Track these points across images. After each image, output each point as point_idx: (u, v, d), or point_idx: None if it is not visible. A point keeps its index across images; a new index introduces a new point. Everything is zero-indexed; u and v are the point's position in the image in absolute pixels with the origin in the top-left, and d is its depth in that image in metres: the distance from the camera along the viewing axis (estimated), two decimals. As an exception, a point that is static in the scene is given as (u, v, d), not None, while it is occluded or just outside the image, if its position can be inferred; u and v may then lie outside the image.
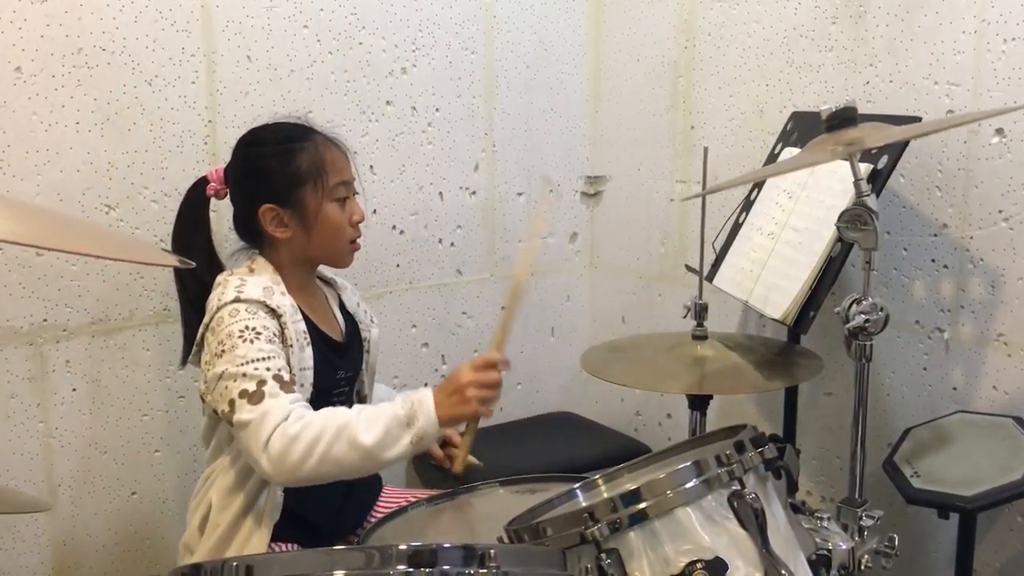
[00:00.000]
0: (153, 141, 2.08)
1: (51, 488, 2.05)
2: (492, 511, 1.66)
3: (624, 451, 2.50)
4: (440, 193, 2.50)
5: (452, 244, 2.54)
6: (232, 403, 1.51)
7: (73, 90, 1.98)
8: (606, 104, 2.71)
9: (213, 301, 1.63)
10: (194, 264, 1.36)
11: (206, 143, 2.14)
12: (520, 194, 2.64)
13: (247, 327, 1.55)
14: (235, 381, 1.52)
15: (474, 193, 2.56)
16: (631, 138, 2.66)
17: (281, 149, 1.69)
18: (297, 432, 1.46)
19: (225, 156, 1.83)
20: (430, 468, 2.48)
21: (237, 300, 1.59)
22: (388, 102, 2.38)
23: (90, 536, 2.11)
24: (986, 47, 1.88)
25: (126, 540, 2.15)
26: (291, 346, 1.60)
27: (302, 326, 1.66)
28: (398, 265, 2.47)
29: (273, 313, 1.59)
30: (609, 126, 2.72)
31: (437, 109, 2.46)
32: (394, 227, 2.44)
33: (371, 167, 2.37)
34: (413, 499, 1.80)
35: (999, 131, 1.88)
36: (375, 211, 2.40)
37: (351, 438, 1.48)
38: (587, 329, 2.83)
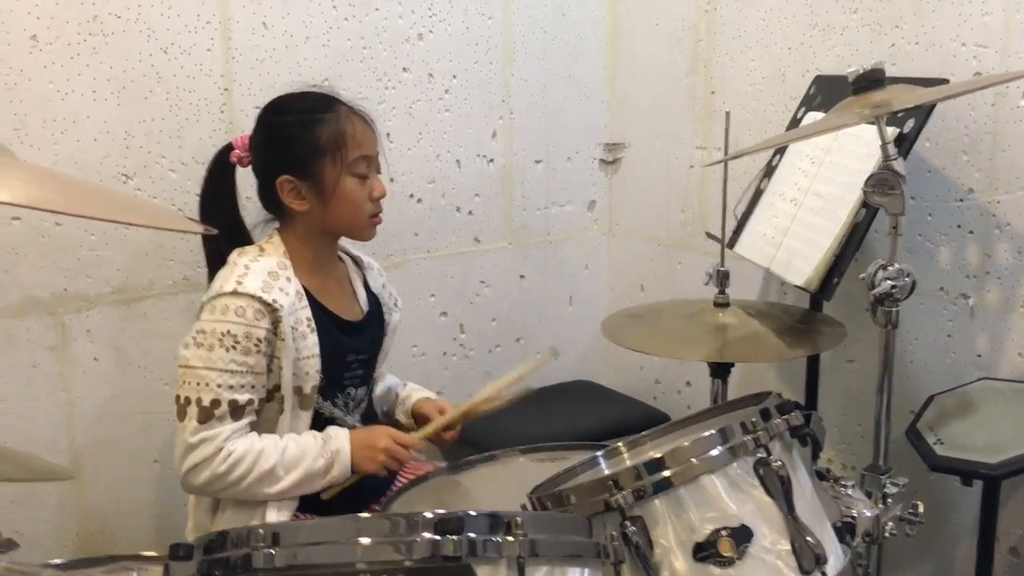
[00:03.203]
0: (170, 110, 2.07)
1: (73, 456, 2.06)
2: (514, 479, 1.66)
3: (644, 419, 2.49)
4: (457, 161, 2.48)
5: (470, 212, 2.53)
6: (182, 405, 1.58)
7: (89, 58, 1.97)
8: (624, 69, 2.68)
9: (217, 282, 1.64)
10: (217, 231, 1.36)
11: (223, 112, 2.12)
12: (538, 161, 2.62)
13: (228, 332, 1.57)
14: (197, 384, 1.57)
15: (492, 161, 2.54)
16: (650, 104, 2.63)
17: (302, 119, 1.67)
18: (222, 472, 1.57)
19: (243, 124, 1.83)
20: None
21: (234, 293, 1.59)
22: (405, 69, 2.36)
23: (113, 503, 2.12)
24: (1015, 7, 1.84)
25: (149, 507, 2.17)
26: (284, 339, 1.60)
27: (307, 312, 1.65)
28: (416, 234, 2.45)
29: (268, 308, 1.59)
30: (628, 92, 2.68)
31: (454, 76, 2.43)
32: (411, 195, 2.43)
33: (388, 135, 2.35)
34: (434, 468, 1.80)
35: (1028, 93, 1.85)
36: (392, 179, 2.37)
37: (269, 482, 1.60)
38: (605, 297, 2.81)
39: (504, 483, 1.68)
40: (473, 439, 2.38)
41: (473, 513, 0.97)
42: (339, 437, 1.65)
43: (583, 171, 2.71)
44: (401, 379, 1.99)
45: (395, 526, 0.98)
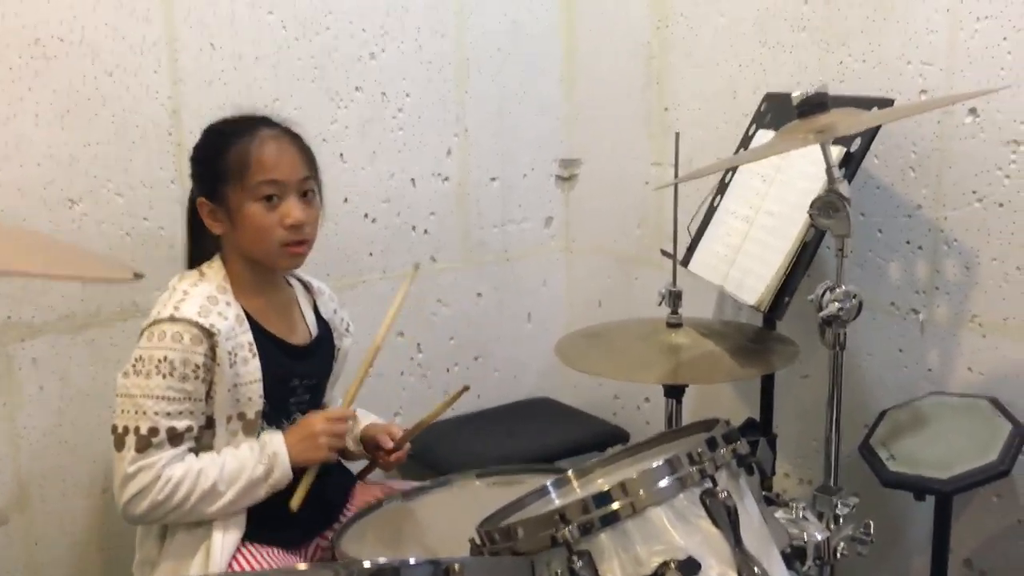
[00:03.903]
0: (116, 133, 2.03)
1: (21, 487, 2.01)
2: (468, 505, 1.65)
3: (602, 436, 2.50)
4: (412, 179, 2.47)
5: (426, 231, 2.51)
6: (120, 434, 1.56)
7: (31, 82, 1.93)
8: (580, 87, 2.68)
9: (156, 308, 1.63)
10: (144, 275, 1.33)
11: (170, 134, 2.09)
12: (494, 179, 2.61)
13: (165, 358, 1.56)
14: (134, 412, 1.56)
15: (447, 179, 2.53)
16: (606, 120, 2.63)
17: (216, 143, 1.68)
18: (162, 499, 1.56)
19: (191, 146, 1.80)
20: (408, 458, 2.47)
21: (171, 319, 1.58)
22: (357, 88, 2.34)
23: (63, 534, 2.08)
24: (959, 26, 1.87)
25: (100, 537, 2.12)
26: (220, 364, 1.58)
27: (248, 337, 1.64)
28: (371, 254, 2.43)
29: (206, 333, 1.57)
30: (584, 108, 2.69)
31: (408, 94, 2.42)
32: (366, 215, 2.41)
33: (341, 155, 2.33)
34: (387, 493, 1.78)
35: (972, 111, 1.87)
36: (346, 199, 2.36)
37: (212, 500, 1.58)
38: (564, 314, 2.81)
39: (458, 510, 1.66)
40: (431, 461, 2.38)
41: (411, 562, 0.96)
42: (274, 440, 1.64)
43: (539, 188, 2.71)
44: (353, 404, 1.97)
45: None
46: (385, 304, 2.43)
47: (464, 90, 2.51)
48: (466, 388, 1.77)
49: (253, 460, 1.61)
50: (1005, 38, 1.81)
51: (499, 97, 2.58)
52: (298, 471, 1.65)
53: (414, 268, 1.94)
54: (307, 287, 1.86)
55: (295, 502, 1.64)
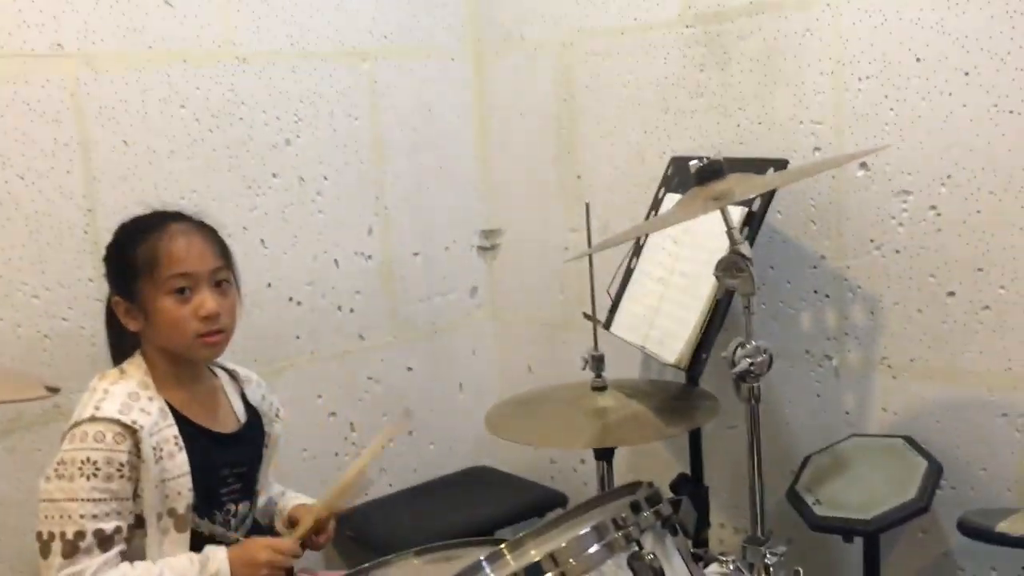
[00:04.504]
0: (30, 235, 2.02)
1: (-56, 606, 1.95)
2: (406, 587, 1.64)
3: (541, 501, 2.51)
4: (335, 260, 2.49)
5: (352, 310, 2.53)
6: (45, 541, 1.54)
7: (-60, 190, 1.92)
8: (495, 159, 2.75)
9: (77, 409, 1.62)
10: (59, 389, 1.33)
11: (86, 232, 2.09)
12: (416, 254, 2.65)
13: (88, 459, 1.55)
14: (59, 517, 1.54)
15: (370, 257, 2.56)
16: (522, 190, 2.70)
17: (127, 240, 1.69)
18: None
19: (106, 244, 1.80)
20: (345, 539, 2.46)
21: (92, 419, 1.57)
22: (274, 175, 2.37)
23: (-9, 652, 2.01)
24: (844, 87, 1.98)
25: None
26: (146, 461, 1.57)
27: (172, 431, 1.63)
28: (298, 336, 2.44)
29: (128, 431, 1.57)
30: (500, 180, 2.75)
31: (325, 177, 2.46)
32: (291, 298, 2.42)
33: (262, 241, 2.35)
34: (326, 581, 1.77)
35: (863, 165, 1.98)
36: (269, 284, 2.37)
37: None
38: (495, 381, 2.84)
39: (397, 592, 1.66)
40: (370, 541, 2.36)
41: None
42: (217, 557, 1.61)
43: (462, 259, 2.75)
44: (287, 487, 1.96)
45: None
46: (317, 386, 2.47)
47: (382, 170, 2.56)
48: (362, 476, 1.76)
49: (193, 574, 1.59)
50: (886, 96, 1.93)
51: (416, 174, 2.63)
52: None
53: (406, 416, 1.94)
54: (233, 376, 1.86)
55: None
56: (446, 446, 2.74)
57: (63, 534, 1.53)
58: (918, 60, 1.87)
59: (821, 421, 2.12)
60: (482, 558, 1.39)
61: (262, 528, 1.87)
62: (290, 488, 1.99)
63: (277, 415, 1.89)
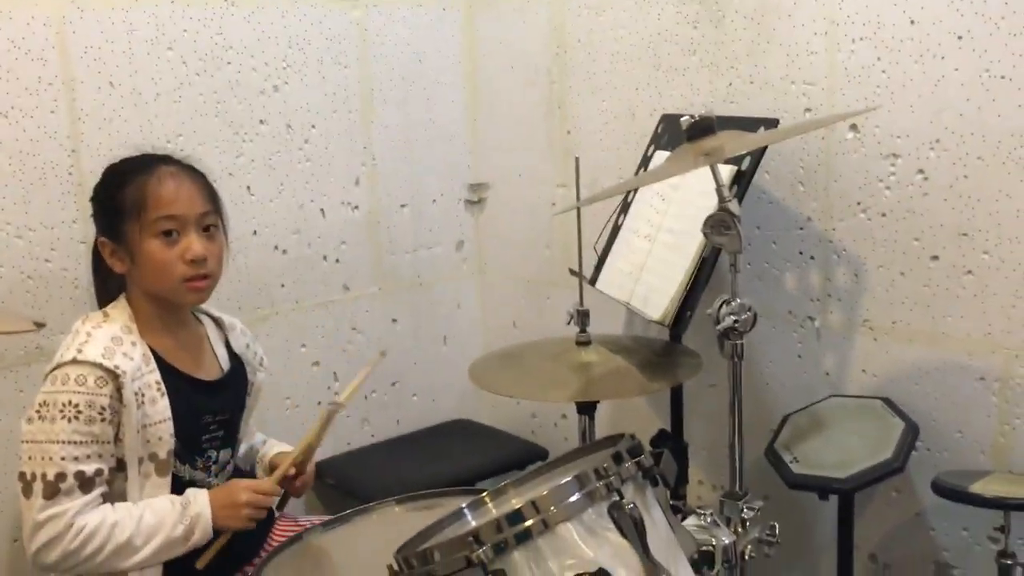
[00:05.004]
0: (14, 175, 2.00)
1: (-75, 544, 1.96)
2: (387, 532, 1.65)
3: (521, 455, 2.54)
4: (322, 210, 2.48)
5: (337, 260, 2.53)
6: (27, 481, 1.55)
7: (-78, 126, 1.89)
8: (484, 112, 2.73)
9: (59, 351, 1.61)
10: (46, 324, 1.33)
11: (71, 174, 2.07)
12: (404, 206, 2.64)
13: (69, 402, 1.55)
14: (41, 459, 1.54)
15: (356, 208, 2.54)
16: (511, 144, 2.68)
17: (115, 181, 1.68)
18: (74, 549, 1.53)
19: (92, 186, 1.79)
20: (327, 487, 2.48)
21: (74, 362, 1.57)
22: (262, 121, 2.34)
23: (-28, 589, 2.02)
24: (836, 47, 1.97)
25: (12, 589, 2.07)
26: (127, 406, 1.58)
27: (155, 376, 1.63)
28: (283, 285, 2.43)
29: (110, 374, 1.57)
30: (488, 133, 2.74)
31: (313, 126, 2.43)
32: (276, 247, 2.41)
33: (248, 188, 2.33)
34: (307, 525, 1.79)
35: (853, 127, 1.98)
36: (255, 232, 2.36)
37: (127, 554, 1.57)
38: (479, 336, 2.85)
39: (378, 538, 1.67)
40: (351, 488, 2.38)
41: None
42: (198, 500, 1.63)
43: (449, 213, 2.75)
44: (268, 436, 1.97)
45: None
46: (301, 335, 2.47)
47: (370, 120, 2.54)
48: (335, 404, 1.75)
49: (174, 518, 1.60)
50: (879, 58, 1.92)
51: (405, 125, 2.61)
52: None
53: (381, 355, 1.94)
54: (218, 323, 1.85)
55: (201, 563, 1.63)
56: (428, 398, 2.76)
57: (44, 475, 1.53)
58: (912, 22, 1.86)
59: (801, 381, 2.14)
60: (463, 506, 1.42)
61: (244, 475, 1.88)
62: (272, 437, 2.00)
63: (261, 364, 1.90)
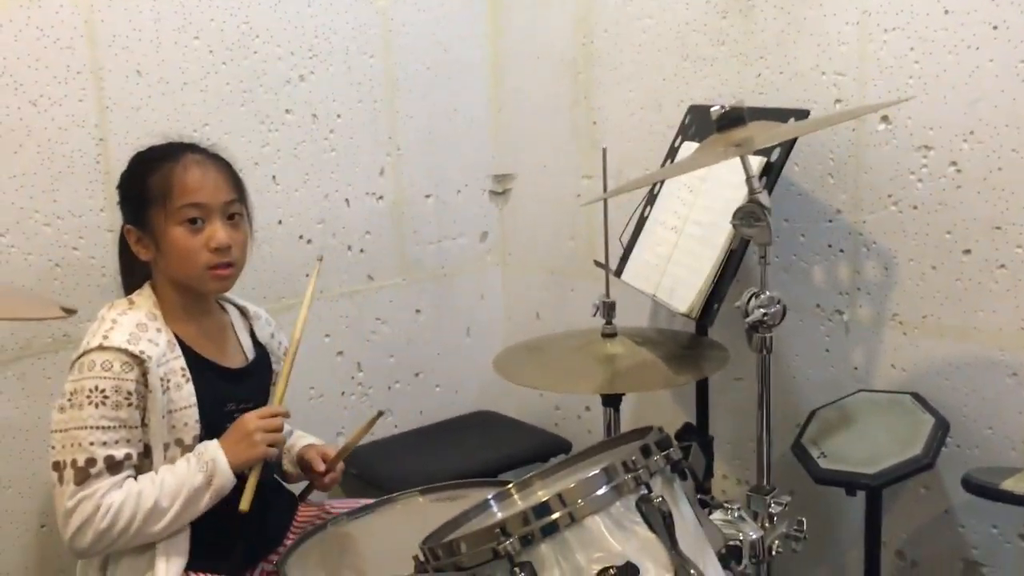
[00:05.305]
0: (42, 163, 2.01)
1: (-46, 528, 1.97)
2: (412, 523, 1.65)
3: (544, 447, 2.53)
4: (346, 200, 2.48)
5: (362, 250, 2.52)
6: (60, 468, 1.55)
7: (-48, 114, 1.90)
8: (509, 103, 2.72)
9: (85, 339, 1.62)
10: (76, 310, 1.33)
11: (98, 162, 2.07)
12: (428, 196, 2.63)
13: (96, 387, 1.55)
14: (71, 445, 1.55)
15: (381, 198, 2.54)
16: (535, 136, 2.67)
17: (141, 170, 1.69)
18: (105, 527, 1.54)
19: (119, 174, 1.79)
20: (350, 477, 2.48)
21: (101, 348, 1.57)
22: (287, 111, 2.34)
23: (3, 572, 2.04)
24: (868, 37, 1.95)
25: (38, 574, 2.08)
26: (153, 391, 1.58)
27: (180, 363, 1.64)
28: (307, 275, 2.41)
29: (136, 360, 1.57)
30: (513, 124, 2.72)
31: (338, 115, 2.43)
32: (301, 236, 2.41)
33: (273, 177, 2.33)
34: (331, 513, 1.79)
35: (884, 118, 1.95)
36: (280, 222, 2.36)
37: (156, 519, 1.57)
38: (502, 327, 2.84)
39: (402, 529, 1.67)
40: (375, 479, 2.38)
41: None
42: (209, 447, 1.63)
43: (474, 203, 2.74)
44: (293, 427, 1.97)
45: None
46: (325, 325, 2.47)
47: (395, 109, 2.53)
48: (380, 413, 1.78)
49: (191, 470, 1.60)
50: (912, 48, 1.89)
51: (429, 115, 2.60)
52: (241, 475, 1.64)
53: (318, 260, 1.95)
54: (243, 312, 1.86)
55: (244, 504, 1.62)
56: (451, 390, 2.75)
57: (74, 461, 1.54)
58: (946, 12, 1.83)
59: (829, 376, 2.12)
60: (489, 497, 1.41)
61: (266, 463, 1.88)
62: (296, 428, 2.00)
63: (285, 354, 1.89)
